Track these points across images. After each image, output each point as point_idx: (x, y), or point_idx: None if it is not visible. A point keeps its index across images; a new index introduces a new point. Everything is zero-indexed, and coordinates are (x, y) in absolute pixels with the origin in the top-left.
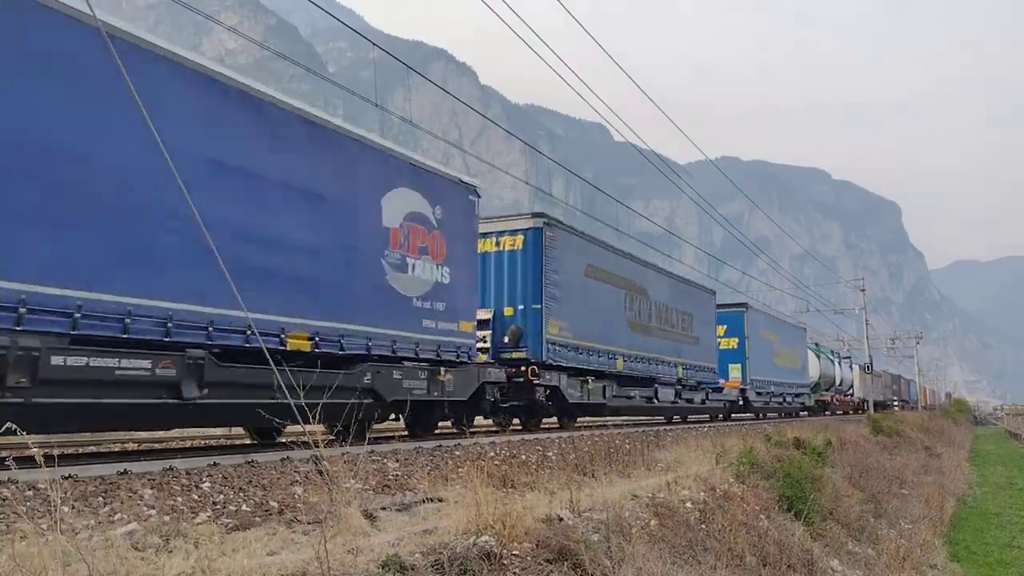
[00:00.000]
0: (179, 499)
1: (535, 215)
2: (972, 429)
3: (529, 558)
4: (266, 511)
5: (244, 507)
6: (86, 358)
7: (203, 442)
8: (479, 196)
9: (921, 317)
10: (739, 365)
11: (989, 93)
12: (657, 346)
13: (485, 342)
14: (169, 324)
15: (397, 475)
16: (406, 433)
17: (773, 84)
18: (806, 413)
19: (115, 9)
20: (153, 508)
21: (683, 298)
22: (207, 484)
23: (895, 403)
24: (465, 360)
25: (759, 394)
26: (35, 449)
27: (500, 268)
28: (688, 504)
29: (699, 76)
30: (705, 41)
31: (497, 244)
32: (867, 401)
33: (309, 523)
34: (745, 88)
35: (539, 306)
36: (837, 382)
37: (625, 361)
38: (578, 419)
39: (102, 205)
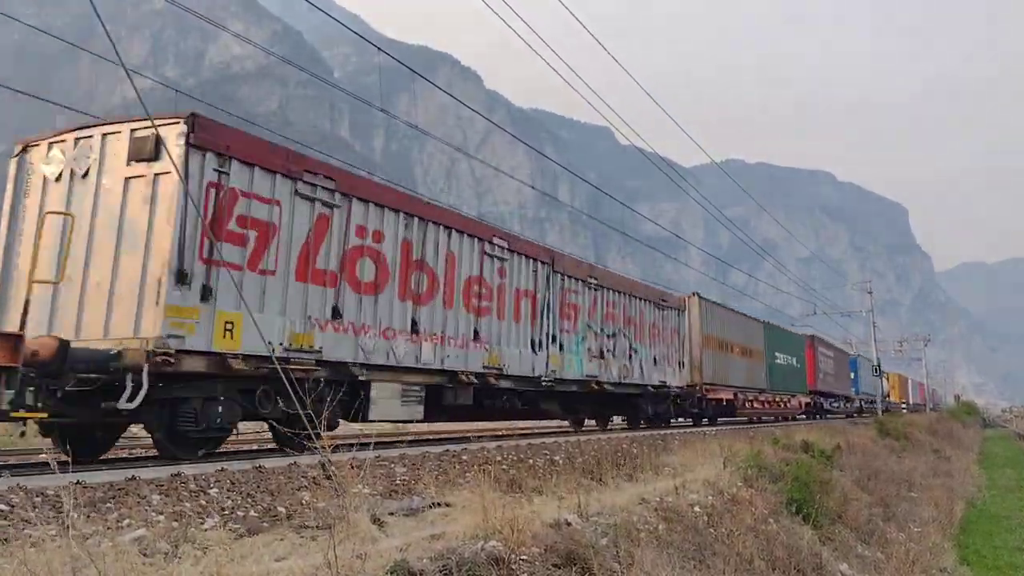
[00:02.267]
0: (187, 504)
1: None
2: (980, 432)
3: (537, 563)
4: (274, 516)
5: (252, 512)
6: None
7: None
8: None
9: (928, 319)
10: None
11: (997, 93)
12: None
13: None
14: None
15: (404, 480)
16: None
17: (777, 85)
18: None
19: (119, 15)
20: (161, 514)
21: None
22: (215, 490)
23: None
24: None
25: None
26: (47, 455)
27: None
28: (696, 508)
29: (708, 80)
30: (708, 42)
31: None
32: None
33: (317, 528)
34: (748, 89)
35: None
36: None
37: None
38: None
39: None
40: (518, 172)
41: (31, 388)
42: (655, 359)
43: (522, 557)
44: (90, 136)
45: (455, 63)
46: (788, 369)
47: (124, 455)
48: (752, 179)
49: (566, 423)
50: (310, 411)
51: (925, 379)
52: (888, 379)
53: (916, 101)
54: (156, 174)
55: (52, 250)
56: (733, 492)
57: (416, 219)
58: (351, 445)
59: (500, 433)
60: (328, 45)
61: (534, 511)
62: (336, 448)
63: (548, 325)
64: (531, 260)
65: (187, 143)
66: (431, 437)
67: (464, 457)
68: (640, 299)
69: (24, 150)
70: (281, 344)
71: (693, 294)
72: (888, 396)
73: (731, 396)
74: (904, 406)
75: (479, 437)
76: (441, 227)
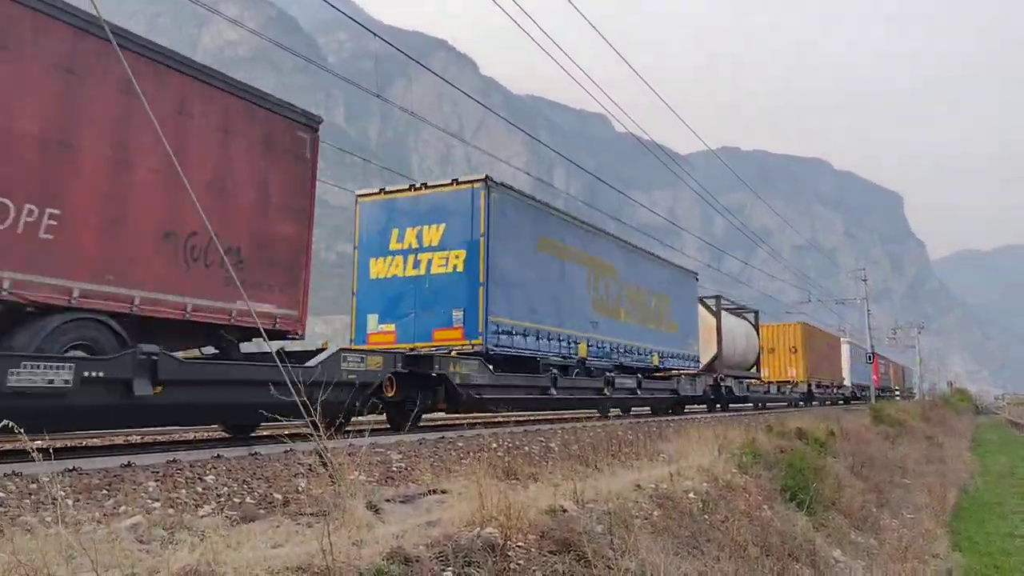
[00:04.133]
0: (183, 492)
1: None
2: (974, 419)
3: (533, 549)
4: (270, 503)
5: (248, 499)
6: None
7: (206, 435)
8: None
9: (922, 307)
10: None
11: (992, 81)
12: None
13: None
14: None
15: (400, 467)
16: None
17: (775, 73)
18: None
19: (114, 0)
20: (157, 501)
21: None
22: (211, 476)
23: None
24: None
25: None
26: (32, 444)
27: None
28: (691, 495)
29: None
30: (706, 30)
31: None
32: None
33: (313, 515)
34: (745, 76)
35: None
36: None
37: (588, 346)
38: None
39: None
40: (514, 159)
41: None
42: None
43: (518, 544)
44: None
45: (450, 49)
46: None
47: (121, 443)
48: (748, 167)
49: None
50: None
51: (918, 366)
52: (787, 336)
53: (916, 85)
54: None
55: None
56: (728, 479)
57: None
58: (347, 432)
59: (496, 420)
60: (323, 30)
61: (530, 498)
62: (332, 435)
63: None
64: None
65: None
66: (427, 424)
67: (460, 444)
68: None
69: None
70: None
71: None
72: (779, 377)
73: None
74: (836, 393)
75: (474, 424)
76: None
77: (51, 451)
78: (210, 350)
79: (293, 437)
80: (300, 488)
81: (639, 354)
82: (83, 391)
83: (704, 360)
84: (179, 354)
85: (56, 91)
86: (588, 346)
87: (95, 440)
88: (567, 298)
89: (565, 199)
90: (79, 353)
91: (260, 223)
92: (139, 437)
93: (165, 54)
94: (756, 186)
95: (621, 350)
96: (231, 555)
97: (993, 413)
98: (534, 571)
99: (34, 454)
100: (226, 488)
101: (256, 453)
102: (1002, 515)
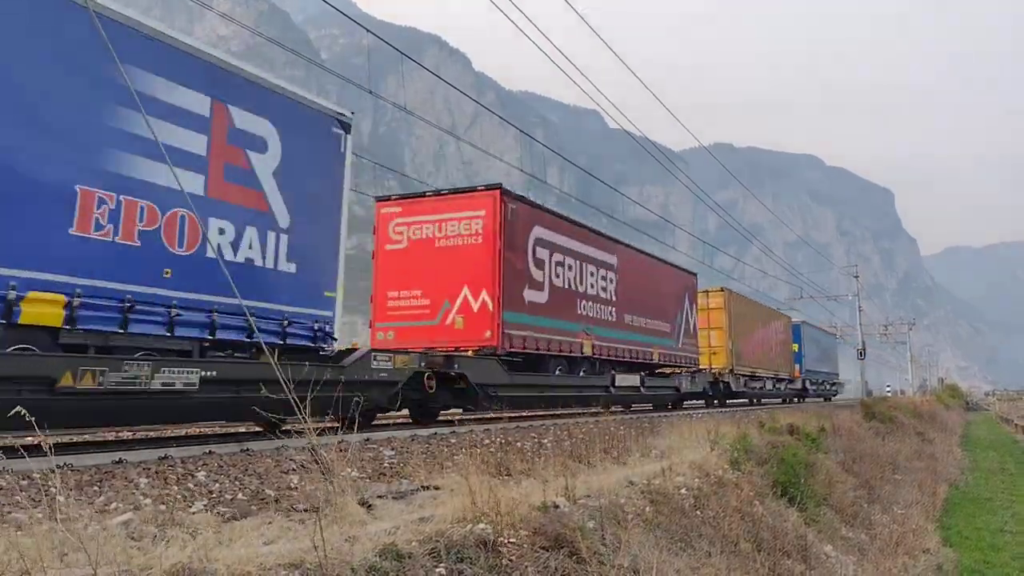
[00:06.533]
0: (175, 488)
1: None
2: (964, 414)
3: (525, 545)
4: (262, 500)
5: (240, 496)
6: None
7: (198, 431)
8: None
9: (914, 303)
10: None
11: (984, 81)
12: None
13: None
14: None
15: (393, 463)
16: None
17: (768, 71)
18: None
19: None
20: (149, 497)
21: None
22: (202, 473)
23: None
24: None
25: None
26: (38, 437)
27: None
28: (683, 491)
29: (696, 67)
30: (701, 28)
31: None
32: None
33: (305, 512)
34: (739, 75)
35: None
36: None
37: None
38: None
39: None
40: (507, 155)
41: None
42: None
43: (510, 540)
44: None
45: (443, 44)
46: None
47: (112, 439)
48: (740, 163)
49: None
50: (295, 396)
51: (910, 364)
52: None
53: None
54: None
55: None
56: (719, 475)
57: None
58: (338, 428)
59: (488, 416)
60: (315, 26)
61: (522, 494)
62: (324, 431)
63: None
64: None
65: None
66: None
67: (452, 440)
68: None
69: None
70: None
71: None
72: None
73: None
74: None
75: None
76: None
77: (51, 446)
78: None
79: (288, 433)
80: (292, 484)
81: None
82: None
83: None
84: None
85: None
86: None
87: (86, 436)
88: None
89: (558, 195)
90: None
91: None
92: (131, 433)
93: None
94: (748, 182)
95: None
96: (223, 552)
97: (984, 409)
98: (526, 567)
99: (45, 447)
100: (218, 484)
101: (248, 449)
102: (992, 510)
